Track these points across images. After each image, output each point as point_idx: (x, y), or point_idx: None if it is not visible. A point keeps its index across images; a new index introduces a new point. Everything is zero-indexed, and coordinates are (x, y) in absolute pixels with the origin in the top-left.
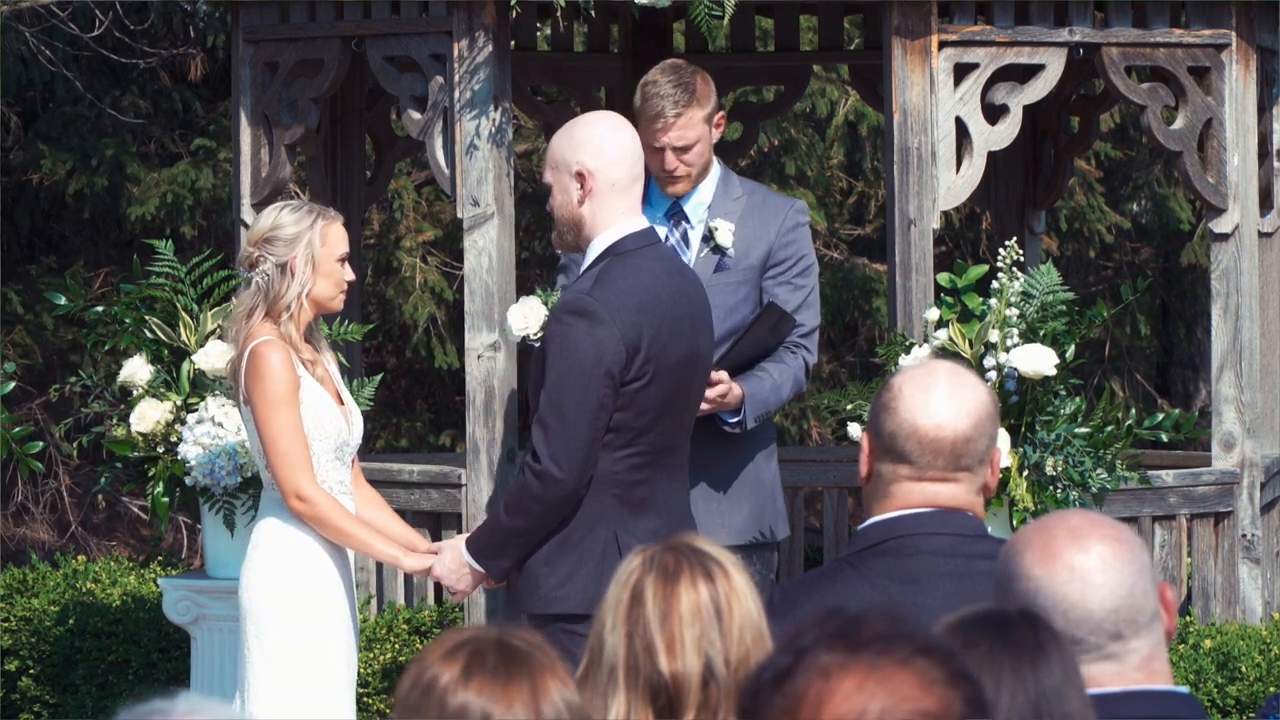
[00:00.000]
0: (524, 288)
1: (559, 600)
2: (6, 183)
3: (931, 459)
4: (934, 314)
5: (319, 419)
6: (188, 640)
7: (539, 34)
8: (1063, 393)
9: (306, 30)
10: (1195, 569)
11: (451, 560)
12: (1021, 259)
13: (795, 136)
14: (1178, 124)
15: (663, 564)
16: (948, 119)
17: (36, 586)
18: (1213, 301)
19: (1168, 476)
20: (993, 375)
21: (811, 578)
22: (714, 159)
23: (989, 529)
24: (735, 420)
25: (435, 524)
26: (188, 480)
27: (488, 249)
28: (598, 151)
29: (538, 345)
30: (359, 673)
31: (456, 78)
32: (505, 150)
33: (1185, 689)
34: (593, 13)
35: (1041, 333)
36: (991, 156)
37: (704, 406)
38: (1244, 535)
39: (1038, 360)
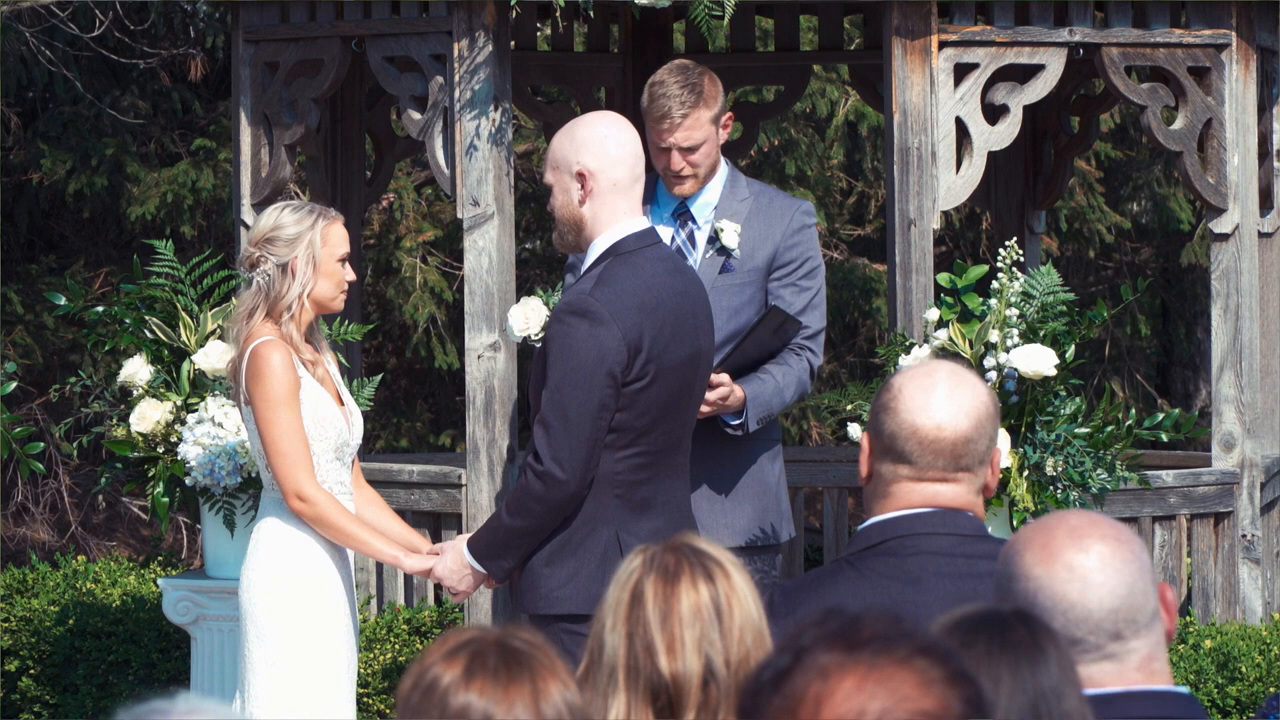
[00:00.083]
0: (524, 288)
1: (560, 600)
2: (6, 183)
3: (932, 459)
4: (934, 314)
5: (319, 419)
6: (188, 640)
7: (539, 34)
8: (1063, 393)
9: (306, 30)
10: (1195, 569)
11: (452, 561)
12: (1021, 259)
13: (795, 136)
14: (1178, 124)
15: (663, 564)
16: (948, 119)
17: (36, 587)
18: (1213, 301)
19: (1168, 477)
20: (993, 375)
21: (811, 578)
22: (722, 160)
23: (989, 529)
24: (737, 423)
25: (435, 524)
26: (188, 480)
27: (488, 249)
28: (599, 152)
29: (539, 346)
30: (359, 673)
31: (456, 78)
32: (505, 150)
33: (1185, 689)
34: (592, 13)
35: (1041, 333)
36: (991, 156)
37: (705, 409)
38: (1244, 535)
39: (1038, 360)
